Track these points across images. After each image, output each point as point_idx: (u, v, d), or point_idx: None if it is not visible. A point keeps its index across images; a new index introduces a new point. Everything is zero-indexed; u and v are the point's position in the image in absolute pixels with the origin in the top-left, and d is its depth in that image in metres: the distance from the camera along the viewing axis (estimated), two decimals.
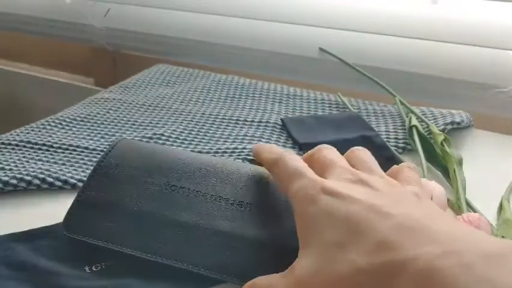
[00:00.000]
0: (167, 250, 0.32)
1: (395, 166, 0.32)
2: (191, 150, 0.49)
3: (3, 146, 0.48)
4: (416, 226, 0.24)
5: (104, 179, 0.36)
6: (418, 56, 0.66)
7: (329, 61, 0.69)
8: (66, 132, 0.52)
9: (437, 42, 0.65)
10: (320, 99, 0.62)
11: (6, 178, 0.41)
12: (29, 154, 0.47)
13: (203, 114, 0.57)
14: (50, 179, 0.42)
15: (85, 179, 0.42)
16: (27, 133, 0.51)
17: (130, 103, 0.59)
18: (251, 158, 0.45)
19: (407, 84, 0.66)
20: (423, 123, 0.53)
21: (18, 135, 0.50)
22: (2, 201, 0.40)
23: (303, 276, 0.25)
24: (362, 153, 0.33)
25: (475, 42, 0.63)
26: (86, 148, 0.48)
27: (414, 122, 0.51)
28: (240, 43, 0.76)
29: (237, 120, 0.56)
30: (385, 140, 0.51)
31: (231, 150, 0.49)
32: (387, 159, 0.47)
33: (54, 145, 0.48)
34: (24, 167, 0.44)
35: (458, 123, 0.53)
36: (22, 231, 0.35)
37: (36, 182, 0.41)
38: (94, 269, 0.32)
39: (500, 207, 0.41)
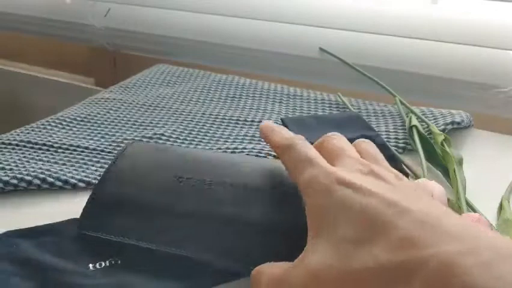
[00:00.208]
0: (181, 241, 0.33)
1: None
2: None
3: (3, 146, 0.48)
4: (435, 223, 0.23)
5: (118, 176, 0.37)
6: (418, 56, 0.66)
7: (329, 61, 0.69)
8: (66, 132, 0.52)
9: (437, 42, 0.65)
10: (320, 99, 0.62)
11: (6, 178, 0.41)
12: (29, 154, 0.47)
13: (203, 114, 0.57)
14: (51, 179, 0.42)
15: (85, 179, 0.43)
16: (28, 133, 0.51)
17: (130, 103, 0.59)
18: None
19: (407, 84, 0.66)
20: (424, 123, 0.53)
21: (18, 135, 0.50)
22: (2, 201, 0.40)
23: (318, 270, 0.25)
24: (369, 145, 0.33)
25: (475, 42, 0.63)
26: (87, 148, 0.48)
27: (415, 122, 0.51)
28: (240, 43, 0.76)
29: (237, 120, 0.56)
30: (385, 140, 0.51)
31: (231, 150, 0.49)
32: (387, 159, 0.47)
33: (55, 145, 0.48)
34: (24, 167, 0.44)
35: (458, 123, 0.53)
36: (27, 228, 0.36)
37: (37, 182, 0.41)
38: (98, 267, 0.32)
39: (500, 207, 0.41)
